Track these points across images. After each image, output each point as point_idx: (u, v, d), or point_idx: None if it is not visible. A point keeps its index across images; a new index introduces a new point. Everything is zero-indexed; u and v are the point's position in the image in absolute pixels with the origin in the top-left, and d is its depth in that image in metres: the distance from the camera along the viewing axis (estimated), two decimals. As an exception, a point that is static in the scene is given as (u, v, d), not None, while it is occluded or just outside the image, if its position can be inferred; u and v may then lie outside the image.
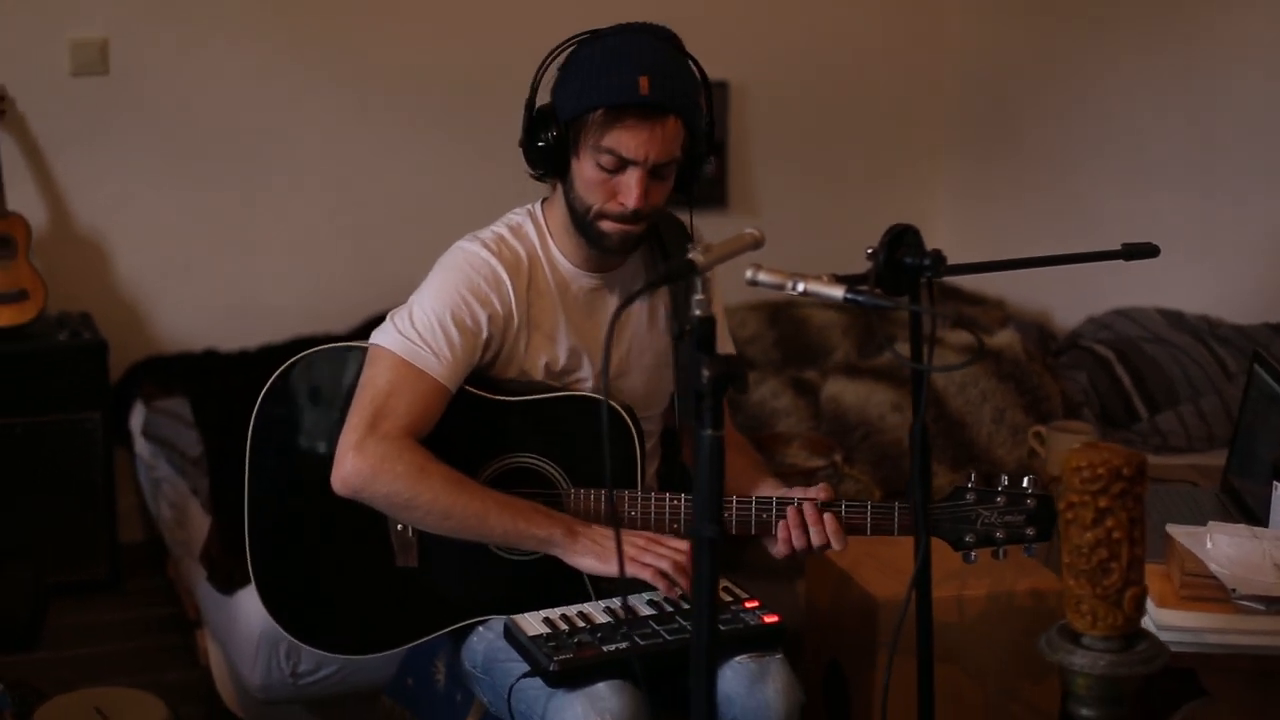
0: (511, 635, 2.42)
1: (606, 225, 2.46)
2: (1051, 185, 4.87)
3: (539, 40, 2.54)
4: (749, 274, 1.93)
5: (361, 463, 2.35)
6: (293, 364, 2.53)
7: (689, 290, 2.61)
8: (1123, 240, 2.67)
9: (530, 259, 2.52)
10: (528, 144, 2.48)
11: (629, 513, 2.49)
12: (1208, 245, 4.25)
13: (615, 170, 2.42)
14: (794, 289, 1.92)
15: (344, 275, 4.67)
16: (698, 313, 1.82)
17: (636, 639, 2.36)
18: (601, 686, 2.30)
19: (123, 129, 4.35)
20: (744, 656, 2.40)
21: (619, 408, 2.52)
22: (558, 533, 2.41)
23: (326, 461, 2.43)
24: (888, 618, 2.92)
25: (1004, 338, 4.12)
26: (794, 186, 5.17)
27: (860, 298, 1.90)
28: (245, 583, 3.19)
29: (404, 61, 4.63)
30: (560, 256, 2.55)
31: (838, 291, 1.90)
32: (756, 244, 1.97)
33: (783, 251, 2.67)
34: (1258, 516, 2.87)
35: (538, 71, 2.48)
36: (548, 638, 2.36)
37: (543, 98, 2.49)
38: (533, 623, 2.42)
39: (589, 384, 2.58)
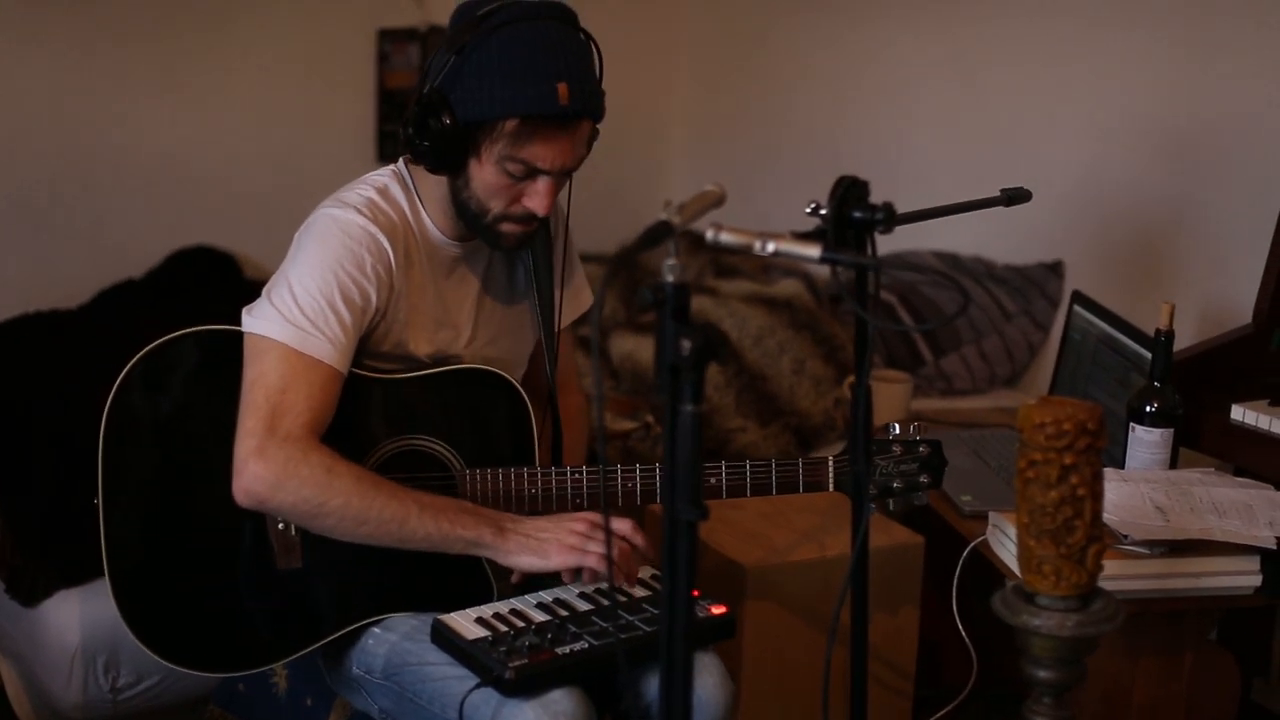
0: (444, 638, 2.19)
1: (507, 227, 2.30)
2: (801, 120, 4.84)
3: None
4: (709, 234, 1.76)
5: (265, 469, 2.10)
6: (156, 349, 2.24)
7: (549, 249, 2.47)
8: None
9: (403, 225, 2.31)
10: (415, 138, 2.22)
11: (529, 490, 2.31)
12: (978, 187, 4.27)
13: (523, 177, 2.24)
14: (763, 249, 1.76)
15: (69, 245, 4.26)
16: (670, 278, 1.63)
17: (589, 639, 2.17)
18: (556, 693, 2.10)
19: None
20: None
21: (514, 381, 2.37)
22: (486, 533, 2.21)
23: (200, 457, 2.20)
24: (756, 585, 2.83)
25: (789, 286, 4.06)
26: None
27: (837, 256, 1.77)
28: (50, 592, 2.89)
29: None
30: (430, 225, 2.35)
31: (813, 250, 1.76)
32: (719, 201, 1.81)
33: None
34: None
35: (432, 58, 2.25)
36: (492, 640, 2.14)
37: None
38: (466, 624, 2.19)
39: (461, 355, 2.39)
